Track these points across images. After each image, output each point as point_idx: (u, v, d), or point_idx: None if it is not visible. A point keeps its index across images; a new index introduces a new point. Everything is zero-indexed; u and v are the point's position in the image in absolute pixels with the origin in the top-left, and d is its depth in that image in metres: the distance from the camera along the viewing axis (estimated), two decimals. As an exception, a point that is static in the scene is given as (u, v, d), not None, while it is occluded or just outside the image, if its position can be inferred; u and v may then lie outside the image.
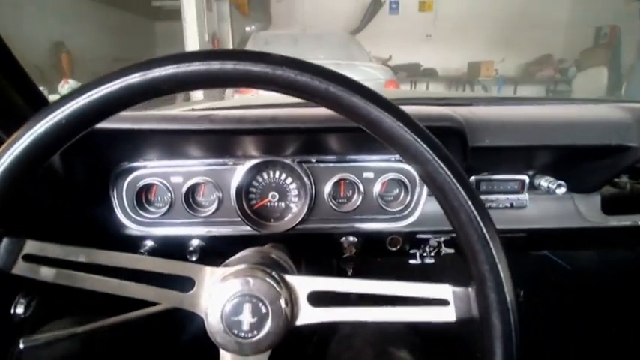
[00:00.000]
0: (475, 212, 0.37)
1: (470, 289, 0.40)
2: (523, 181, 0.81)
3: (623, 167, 0.75)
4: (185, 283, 0.46)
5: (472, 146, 0.70)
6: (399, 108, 0.38)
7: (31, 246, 0.40)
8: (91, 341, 0.72)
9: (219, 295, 0.43)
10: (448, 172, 0.37)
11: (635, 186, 0.87)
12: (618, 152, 0.74)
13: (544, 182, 0.80)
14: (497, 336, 0.36)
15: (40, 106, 0.67)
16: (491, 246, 0.37)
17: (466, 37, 7.74)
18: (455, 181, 0.37)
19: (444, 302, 0.41)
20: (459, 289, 0.40)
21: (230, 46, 7.06)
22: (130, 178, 0.77)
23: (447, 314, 0.40)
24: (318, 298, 0.45)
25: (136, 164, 0.77)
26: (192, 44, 5.77)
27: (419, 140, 0.37)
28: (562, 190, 0.77)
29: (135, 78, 0.35)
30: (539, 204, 0.83)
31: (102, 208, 0.77)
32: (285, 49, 4.29)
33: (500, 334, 0.36)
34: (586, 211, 0.82)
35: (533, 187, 0.81)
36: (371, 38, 7.27)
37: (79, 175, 0.73)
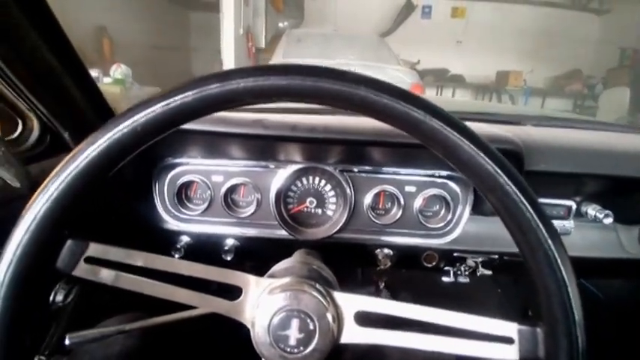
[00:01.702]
0: (555, 253, 0.34)
1: (538, 329, 0.37)
2: (570, 207, 0.76)
3: None
4: (225, 288, 0.44)
5: (527, 170, 0.66)
6: (479, 136, 0.35)
7: (94, 249, 0.39)
8: (135, 340, 0.71)
9: (267, 308, 0.41)
10: (530, 209, 0.34)
11: None
12: None
13: (591, 210, 0.75)
14: None
15: (105, 116, 0.67)
16: (569, 289, 0.34)
17: (496, 46, 7.57)
18: (536, 218, 0.34)
19: (507, 340, 0.38)
20: (525, 329, 0.37)
21: (262, 41, 7.06)
22: (172, 173, 0.75)
23: (509, 353, 0.37)
24: (363, 315, 0.43)
25: (179, 160, 0.75)
26: (227, 37, 5.78)
27: (499, 171, 0.34)
28: (609, 220, 0.72)
29: (212, 89, 0.34)
30: (583, 232, 0.78)
31: (144, 202, 0.76)
32: (317, 48, 4.41)
33: None
34: (627, 241, 0.78)
35: (579, 214, 0.76)
36: (401, 41, 7.12)
37: (126, 170, 0.72)
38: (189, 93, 0.34)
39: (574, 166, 0.68)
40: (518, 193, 0.34)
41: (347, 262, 0.86)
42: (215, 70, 0.41)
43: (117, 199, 0.74)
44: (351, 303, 0.42)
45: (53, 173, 0.35)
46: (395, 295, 1.00)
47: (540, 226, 0.34)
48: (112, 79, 3.69)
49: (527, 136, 0.68)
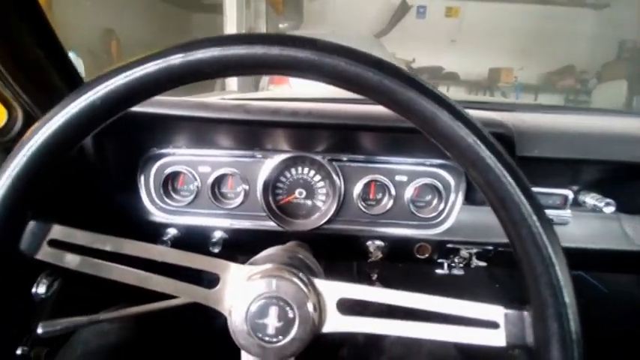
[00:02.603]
0: (540, 228, 0.31)
1: (525, 313, 0.34)
2: (566, 197, 0.72)
3: None
4: (207, 278, 0.41)
5: (519, 155, 0.62)
6: (459, 107, 0.32)
7: (58, 231, 0.37)
8: (111, 329, 0.68)
9: (244, 295, 0.39)
10: (512, 182, 0.31)
11: None
12: None
13: (590, 199, 0.71)
14: None
15: (76, 86, 0.63)
16: (557, 267, 0.30)
17: (489, 44, 7.63)
18: (519, 192, 0.31)
19: (493, 325, 0.35)
20: (511, 312, 0.34)
21: None
22: (158, 164, 0.72)
23: (495, 338, 0.34)
24: (348, 306, 0.40)
25: (164, 151, 0.72)
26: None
27: (480, 144, 0.31)
28: (610, 209, 0.68)
29: (176, 59, 0.31)
30: (583, 222, 0.74)
31: (128, 193, 0.73)
32: None
33: None
34: (632, 232, 0.73)
35: (576, 204, 0.73)
36: (397, 40, 7.23)
37: (110, 159, 0.69)
38: (151, 64, 0.31)
39: (569, 151, 0.64)
40: (501, 167, 0.31)
41: (338, 255, 0.82)
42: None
43: (101, 191, 0.71)
44: (333, 290, 0.40)
45: (12, 152, 0.32)
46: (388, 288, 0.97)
47: (524, 200, 0.31)
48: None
49: (519, 121, 0.65)
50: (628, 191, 0.71)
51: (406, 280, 0.94)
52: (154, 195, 0.73)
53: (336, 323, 0.39)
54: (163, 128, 0.67)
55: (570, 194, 0.72)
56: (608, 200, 0.68)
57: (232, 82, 4.48)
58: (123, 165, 0.72)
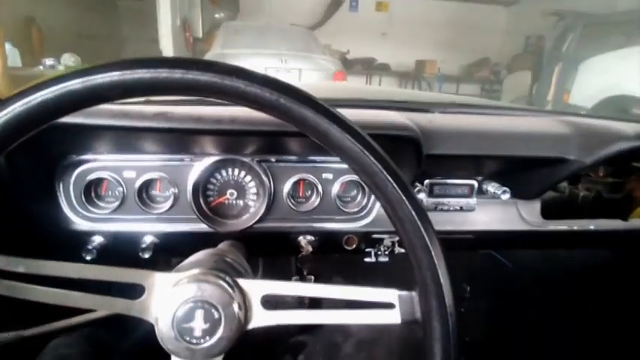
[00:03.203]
0: (418, 221, 0.37)
1: (414, 293, 0.40)
2: (472, 186, 0.80)
3: (562, 177, 0.76)
4: (135, 288, 0.42)
5: (427, 153, 0.68)
6: (347, 120, 0.36)
7: None
8: (36, 346, 0.64)
9: (170, 302, 0.40)
10: (395, 186, 0.36)
11: (573, 191, 0.89)
12: (558, 163, 0.74)
13: (491, 188, 0.80)
14: (437, 338, 0.37)
15: None
16: (433, 253, 0.37)
17: (416, 37, 8.14)
18: (401, 193, 0.36)
19: (389, 305, 0.41)
20: (404, 293, 0.41)
21: (200, 31, 6.85)
22: (77, 171, 0.68)
23: (392, 317, 0.40)
24: (274, 303, 0.43)
25: (84, 157, 0.68)
26: (165, 27, 5.70)
27: (366, 153, 0.36)
28: (506, 196, 0.77)
29: (75, 85, 0.31)
30: (486, 208, 0.83)
31: (47, 203, 0.68)
32: (252, 39, 4.58)
33: (440, 336, 0.37)
34: (527, 215, 0.83)
35: (481, 192, 0.81)
36: (332, 32, 7.54)
37: (21, 170, 0.64)
38: (50, 90, 0.31)
39: (469, 148, 0.71)
40: (383, 170, 0.36)
41: (271, 251, 0.84)
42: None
43: (16, 203, 0.66)
44: (257, 289, 0.42)
45: None
46: (322, 280, 1.01)
47: (404, 199, 0.36)
48: (63, 68, 3.64)
49: (428, 122, 0.71)
50: (519, 180, 0.80)
51: (338, 270, 0.99)
52: (74, 203, 0.69)
53: (261, 319, 0.42)
54: (80, 136, 0.64)
55: (475, 184, 0.80)
56: (505, 188, 0.77)
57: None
58: (38, 174, 0.67)
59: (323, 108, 0.35)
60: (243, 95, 0.33)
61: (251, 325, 0.42)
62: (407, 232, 0.37)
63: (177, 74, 0.31)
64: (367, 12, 8.23)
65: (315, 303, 0.74)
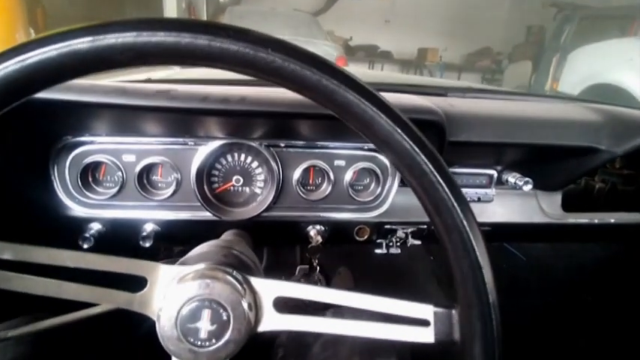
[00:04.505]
0: (470, 234, 0.31)
1: (453, 311, 0.35)
2: (492, 176, 0.74)
3: (590, 168, 0.70)
4: (135, 280, 0.37)
5: (450, 140, 0.62)
6: (396, 109, 0.31)
7: None
8: (33, 342, 0.59)
9: (174, 298, 0.35)
10: (446, 190, 0.31)
11: (589, 182, 0.83)
12: (587, 154, 0.68)
13: (512, 178, 0.74)
14: None
15: None
16: (484, 272, 0.31)
17: (419, 26, 8.05)
18: (452, 199, 0.31)
19: (423, 322, 0.35)
20: (441, 311, 0.35)
21: (204, 15, 6.75)
22: (73, 154, 0.62)
23: (425, 335, 0.35)
24: (285, 304, 0.38)
25: (81, 139, 0.62)
26: (170, 10, 5.62)
27: (417, 150, 0.31)
28: (529, 187, 0.71)
29: (82, 44, 0.25)
30: (505, 199, 0.77)
31: (41, 188, 0.62)
32: (256, 24, 4.49)
33: None
34: (548, 207, 0.78)
35: (500, 182, 0.75)
36: (336, 19, 7.37)
37: (14, 150, 0.58)
38: (54, 46, 0.25)
39: (494, 135, 0.66)
40: (436, 174, 0.30)
41: (279, 241, 0.79)
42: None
43: (7, 187, 0.60)
44: (270, 289, 0.38)
45: None
46: (330, 272, 0.96)
47: (456, 207, 0.31)
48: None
49: (449, 107, 0.64)
50: (544, 171, 0.74)
51: (346, 262, 0.94)
52: (70, 188, 0.63)
53: (272, 322, 0.37)
54: (77, 115, 0.57)
55: (495, 174, 0.74)
56: (527, 179, 0.71)
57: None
58: (32, 158, 0.61)
59: (370, 93, 0.30)
60: (279, 72, 0.28)
61: (261, 328, 0.37)
62: (453, 243, 0.32)
63: (201, 40, 0.26)
64: (370, -1, 8.10)
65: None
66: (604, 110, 0.72)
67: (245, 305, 0.36)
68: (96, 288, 0.36)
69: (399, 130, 0.30)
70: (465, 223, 0.31)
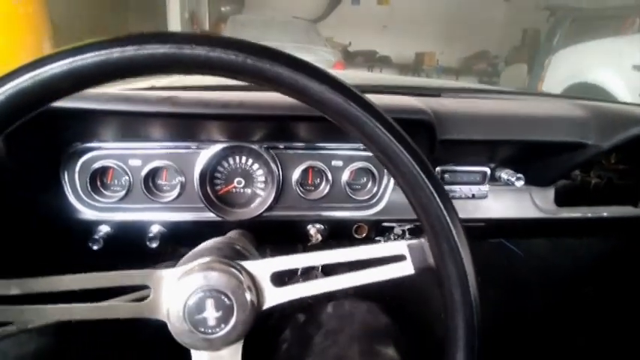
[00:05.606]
0: (419, 169, 0.34)
1: (423, 239, 0.38)
2: (485, 173, 0.75)
3: (579, 163, 0.71)
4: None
5: (440, 139, 0.63)
6: (379, 109, 0.33)
7: None
8: (50, 338, 0.60)
9: (178, 296, 0.37)
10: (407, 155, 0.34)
11: (585, 178, 0.84)
12: (575, 149, 0.69)
13: (504, 174, 0.75)
14: (454, 283, 0.35)
15: None
16: (438, 199, 0.34)
17: (416, 30, 8.08)
18: (402, 148, 0.34)
19: (401, 258, 0.39)
20: (413, 242, 0.39)
21: (206, 24, 6.84)
22: (83, 159, 0.64)
23: (405, 268, 0.39)
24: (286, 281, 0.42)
25: (89, 145, 0.64)
26: (174, 20, 5.77)
27: (395, 142, 0.34)
28: (520, 183, 0.72)
29: (87, 59, 0.28)
30: (499, 195, 0.78)
31: (52, 192, 0.64)
32: (257, 32, 4.77)
33: (457, 279, 0.35)
34: (541, 202, 0.79)
35: (493, 179, 0.76)
36: (335, 26, 7.49)
37: (25, 157, 0.60)
38: (64, 62, 0.28)
39: (485, 133, 0.67)
40: (406, 153, 0.34)
41: (280, 240, 0.80)
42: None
43: (18, 193, 0.62)
44: (264, 268, 0.40)
45: None
46: (332, 269, 0.96)
47: (405, 152, 0.34)
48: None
49: (441, 106, 0.66)
50: (536, 167, 0.75)
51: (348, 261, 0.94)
52: (80, 192, 0.65)
53: (274, 297, 0.40)
54: (85, 122, 0.59)
55: (488, 170, 0.75)
56: (519, 175, 0.72)
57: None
58: (43, 164, 0.63)
59: (355, 95, 0.33)
60: (285, 83, 0.31)
61: (266, 306, 0.40)
62: (412, 185, 0.35)
63: (129, 51, 0.28)
64: (369, 5, 8.17)
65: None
66: (591, 106, 0.73)
67: (245, 287, 0.38)
68: (102, 304, 0.38)
69: (382, 128, 0.33)
70: (417, 166, 0.34)
